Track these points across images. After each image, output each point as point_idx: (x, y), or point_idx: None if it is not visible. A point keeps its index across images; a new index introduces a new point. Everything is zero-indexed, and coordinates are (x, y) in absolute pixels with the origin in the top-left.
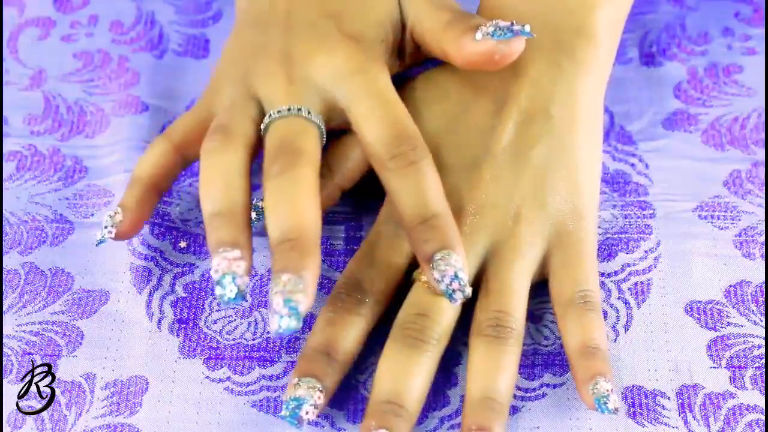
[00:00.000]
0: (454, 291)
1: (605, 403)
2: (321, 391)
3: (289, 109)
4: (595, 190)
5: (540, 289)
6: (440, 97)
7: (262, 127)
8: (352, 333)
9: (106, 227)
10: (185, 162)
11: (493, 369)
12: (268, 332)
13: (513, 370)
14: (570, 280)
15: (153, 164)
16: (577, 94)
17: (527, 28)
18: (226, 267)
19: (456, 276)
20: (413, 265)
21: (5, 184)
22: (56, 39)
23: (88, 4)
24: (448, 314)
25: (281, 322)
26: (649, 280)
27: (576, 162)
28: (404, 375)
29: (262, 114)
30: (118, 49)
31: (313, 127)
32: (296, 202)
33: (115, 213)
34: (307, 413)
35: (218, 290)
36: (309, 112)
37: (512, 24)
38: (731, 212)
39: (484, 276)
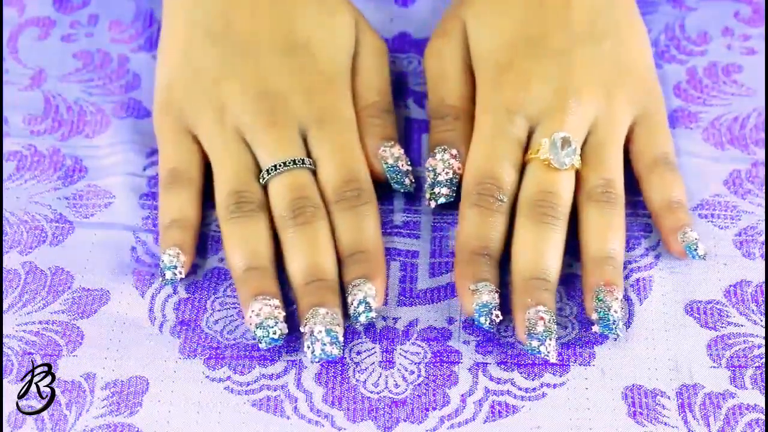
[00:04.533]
0: (359, 314)
1: (695, 249)
2: (497, 291)
3: (290, 162)
4: (654, 67)
5: None
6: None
7: (264, 177)
8: (499, 231)
9: (174, 267)
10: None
11: (608, 231)
12: None
13: (624, 231)
14: (655, 143)
15: (194, 206)
16: None
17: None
18: (268, 312)
19: (364, 300)
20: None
21: (5, 184)
22: (56, 39)
23: (88, 4)
24: (569, 189)
25: (324, 348)
26: (650, 276)
27: (642, 42)
28: (543, 250)
29: (257, 163)
30: (118, 49)
31: (311, 175)
32: (319, 249)
33: (177, 254)
34: (498, 316)
35: (260, 332)
36: (303, 161)
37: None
38: (731, 212)
39: (585, 148)
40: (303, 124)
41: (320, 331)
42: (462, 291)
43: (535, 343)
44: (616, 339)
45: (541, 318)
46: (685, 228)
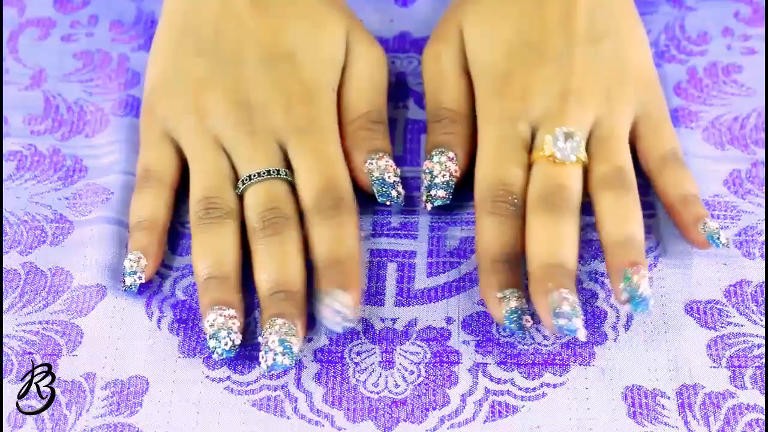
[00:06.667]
0: (334, 322)
1: (717, 237)
2: (523, 297)
3: (264, 173)
4: (653, 65)
5: None
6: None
7: (240, 187)
8: (516, 236)
9: (135, 273)
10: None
11: (626, 213)
12: None
13: (640, 212)
14: (662, 139)
15: (164, 207)
16: None
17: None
18: (222, 323)
19: (337, 310)
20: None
21: (5, 184)
22: (56, 39)
23: (88, 4)
24: (578, 181)
25: (276, 358)
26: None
27: (640, 41)
28: (558, 239)
29: (233, 169)
30: (118, 49)
31: (287, 186)
32: (286, 261)
33: (138, 258)
34: (528, 321)
35: (212, 343)
36: (279, 172)
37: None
38: (731, 211)
39: (590, 144)
40: (282, 135)
41: (274, 341)
42: (489, 300)
43: (562, 321)
44: (650, 313)
45: (565, 298)
46: (705, 218)
